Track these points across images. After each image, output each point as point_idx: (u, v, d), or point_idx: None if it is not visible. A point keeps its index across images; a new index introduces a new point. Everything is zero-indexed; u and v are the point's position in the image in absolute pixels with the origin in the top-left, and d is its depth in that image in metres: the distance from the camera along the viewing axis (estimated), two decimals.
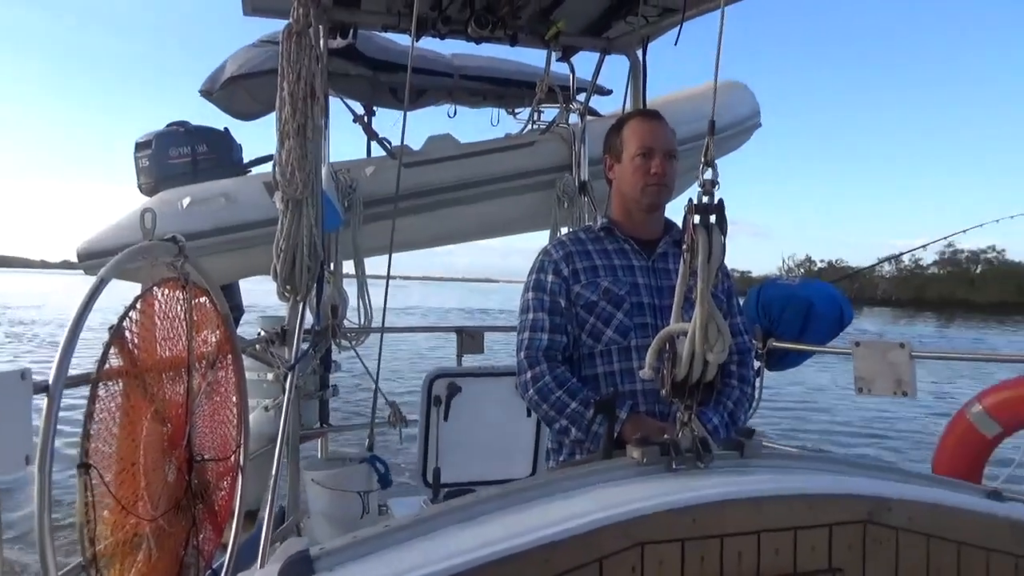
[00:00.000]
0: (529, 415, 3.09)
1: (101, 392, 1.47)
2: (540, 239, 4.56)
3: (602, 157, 2.16)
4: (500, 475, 3.10)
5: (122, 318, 1.60)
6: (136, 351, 1.63)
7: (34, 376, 1.35)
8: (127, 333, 1.61)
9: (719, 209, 1.27)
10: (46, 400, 1.32)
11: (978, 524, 1.14)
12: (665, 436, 1.18)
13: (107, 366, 1.51)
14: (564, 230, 4.20)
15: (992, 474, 3.87)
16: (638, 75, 3.99)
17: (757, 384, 2.91)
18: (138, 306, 1.66)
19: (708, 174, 1.28)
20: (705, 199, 1.27)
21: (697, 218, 1.26)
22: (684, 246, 1.27)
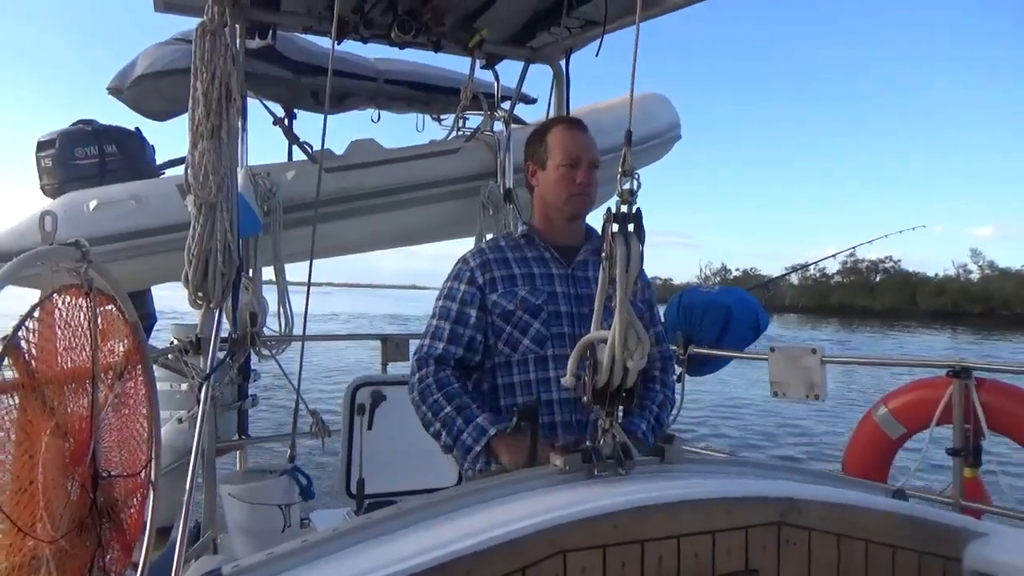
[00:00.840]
0: None
1: None
2: (467, 246, 4.56)
3: (524, 164, 2.16)
4: (426, 485, 3.05)
5: (17, 327, 1.50)
6: (33, 362, 1.53)
7: None
8: (23, 343, 1.51)
9: (637, 218, 1.29)
10: None
11: (884, 522, 1.19)
12: (587, 443, 1.18)
13: (0, 379, 1.41)
14: (489, 237, 4.20)
15: (902, 468, 4.06)
16: (561, 85, 4.04)
17: (678, 388, 2.98)
18: (36, 314, 1.56)
19: (626, 184, 1.30)
20: (624, 208, 1.29)
21: (615, 227, 1.28)
22: (603, 254, 1.28)
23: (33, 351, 1.54)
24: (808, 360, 2.87)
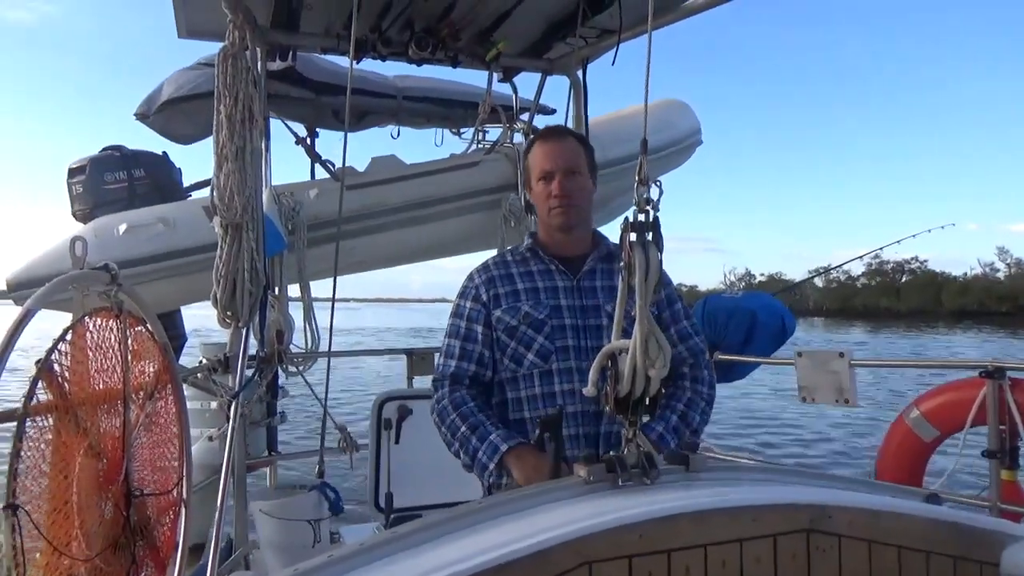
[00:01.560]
0: None
1: (29, 428, 1.41)
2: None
3: None
4: (454, 498, 3.04)
5: (50, 351, 1.54)
6: (67, 384, 1.57)
7: None
8: (56, 366, 1.55)
9: (655, 227, 1.29)
10: None
11: (917, 527, 1.17)
12: (611, 453, 1.18)
13: (35, 401, 1.45)
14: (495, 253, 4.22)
15: (936, 472, 3.99)
16: (579, 95, 4.05)
17: None
18: (68, 337, 1.60)
19: (643, 192, 1.30)
20: (641, 217, 1.29)
21: (633, 236, 1.28)
22: (621, 263, 1.28)
23: (66, 373, 1.58)
24: (836, 364, 2.84)
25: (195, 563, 2.34)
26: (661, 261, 1.26)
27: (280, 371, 3.53)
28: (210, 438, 3.64)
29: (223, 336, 3.21)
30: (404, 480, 2.98)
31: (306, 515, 3.03)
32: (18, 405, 1.44)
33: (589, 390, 1.27)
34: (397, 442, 2.96)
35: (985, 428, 3.11)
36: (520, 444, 1.82)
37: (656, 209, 1.30)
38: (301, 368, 3.58)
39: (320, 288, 3.95)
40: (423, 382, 4.03)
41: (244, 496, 3.13)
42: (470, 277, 2.07)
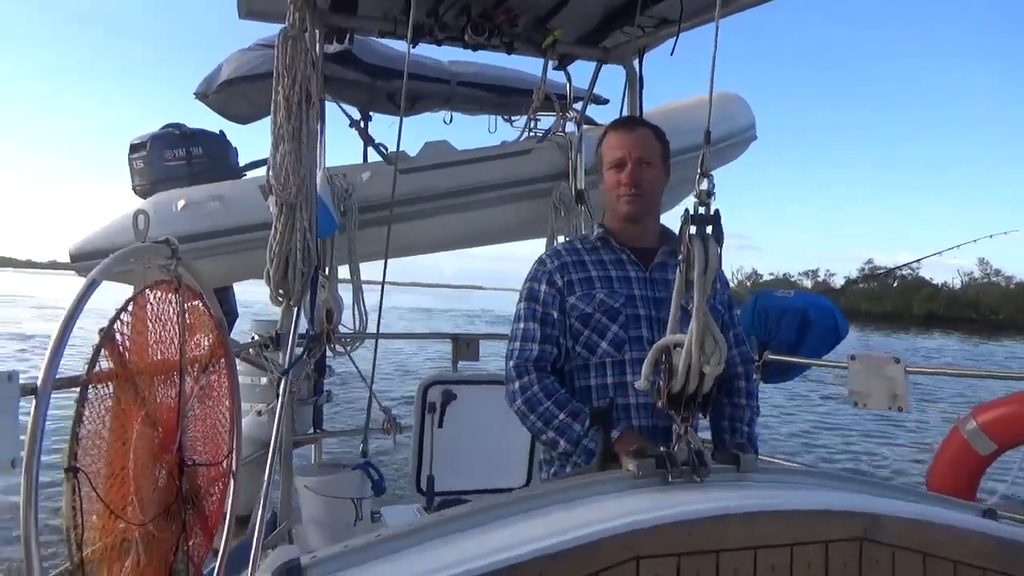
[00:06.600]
0: None
1: (91, 395, 1.45)
2: (534, 247, 4.57)
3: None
4: (494, 484, 3.08)
5: (113, 320, 1.58)
6: (127, 354, 1.61)
7: (21, 378, 1.33)
8: (118, 335, 1.59)
9: (715, 219, 1.27)
10: (34, 402, 1.30)
11: (973, 542, 1.13)
12: (661, 449, 1.17)
13: (97, 368, 1.49)
14: (561, 238, 4.20)
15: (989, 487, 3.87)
16: (634, 85, 4.00)
17: None
18: (130, 308, 1.64)
19: (704, 184, 1.28)
20: (701, 210, 1.27)
21: (693, 229, 1.26)
22: (680, 256, 1.26)
23: (127, 343, 1.62)
24: (891, 370, 2.75)
25: (240, 534, 2.40)
26: (720, 256, 1.24)
27: (328, 350, 3.58)
28: (259, 413, 3.72)
29: (273, 314, 3.26)
30: (446, 464, 3.00)
31: (349, 493, 3.07)
32: (81, 372, 1.48)
33: (642, 384, 1.26)
34: (440, 426, 2.98)
35: None
36: (629, 429, 1.82)
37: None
38: (348, 348, 3.63)
39: (364, 270, 3.99)
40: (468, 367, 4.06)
41: (290, 471, 3.19)
42: (541, 262, 2.06)
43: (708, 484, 1.15)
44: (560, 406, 1.87)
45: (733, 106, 5.07)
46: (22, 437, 1.29)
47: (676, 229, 1.72)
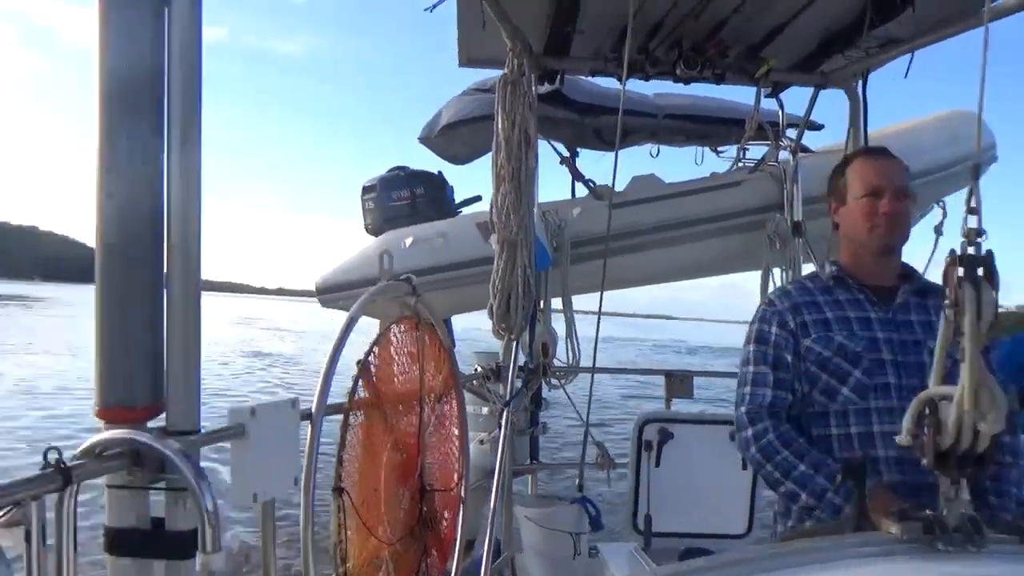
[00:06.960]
0: (745, 468, 2.93)
1: (351, 421, 1.60)
2: (751, 279, 4.40)
3: (827, 200, 2.06)
4: (714, 528, 2.98)
5: (368, 352, 1.75)
6: (378, 384, 1.76)
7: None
8: (371, 367, 1.75)
9: (988, 261, 1.15)
10: (309, 426, 1.46)
11: None
12: (927, 512, 1.07)
13: (356, 397, 1.65)
14: (776, 271, 4.01)
15: None
16: (858, 111, 3.76)
17: None
18: (380, 341, 1.80)
19: (972, 222, 1.17)
20: (970, 249, 1.17)
21: (961, 271, 1.15)
22: (946, 301, 1.16)
23: (377, 374, 1.78)
24: None
25: (465, 559, 2.51)
26: (996, 300, 1.12)
27: (543, 383, 3.67)
28: (481, 442, 3.89)
29: (482, 343, 3.39)
30: (663, 504, 2.95)
31: (568, 527, 3.10)
32: (340, 400, 1.65)
33: (903, 438, 1.16)
34: (658, 465, 2.94)
35: None
36: (883, 486, 1.68)
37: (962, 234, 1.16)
38: (563, 381, 3.70)
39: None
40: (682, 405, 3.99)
41: (510, 501, 3.29)
42: (769, 302, 1.98)
43: (986, 556, 1.03)
44: (800, 456, 1.78)
45: (967, 125, 4.60)
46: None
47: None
